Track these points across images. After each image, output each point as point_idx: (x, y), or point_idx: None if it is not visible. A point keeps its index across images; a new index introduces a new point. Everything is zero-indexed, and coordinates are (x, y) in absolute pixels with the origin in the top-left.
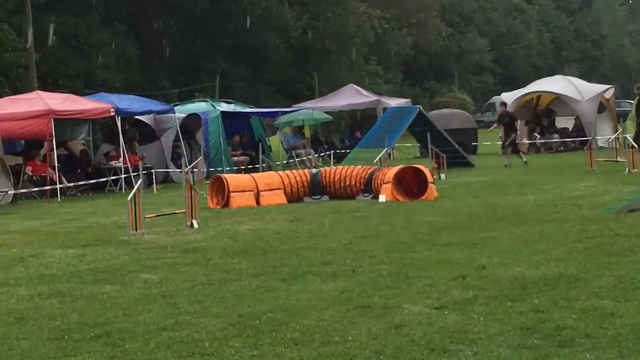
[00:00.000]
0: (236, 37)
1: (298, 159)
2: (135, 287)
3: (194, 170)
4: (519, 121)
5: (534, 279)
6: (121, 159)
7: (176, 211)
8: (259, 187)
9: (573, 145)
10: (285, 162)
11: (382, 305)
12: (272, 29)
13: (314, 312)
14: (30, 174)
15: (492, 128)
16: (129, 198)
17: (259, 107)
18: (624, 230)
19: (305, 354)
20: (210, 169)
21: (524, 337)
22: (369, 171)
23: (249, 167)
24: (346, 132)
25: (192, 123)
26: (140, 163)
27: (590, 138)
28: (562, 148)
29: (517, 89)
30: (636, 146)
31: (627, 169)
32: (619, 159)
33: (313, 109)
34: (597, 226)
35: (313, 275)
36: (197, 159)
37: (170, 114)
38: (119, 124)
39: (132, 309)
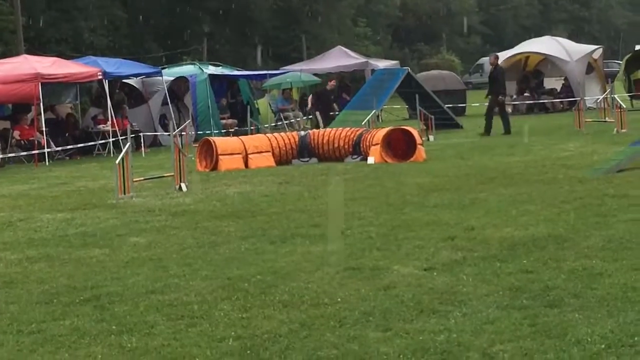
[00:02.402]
0: None
1: (286, 122)
2: (123, 250)
3: (182, 133)
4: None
5: (522, 240)
6: (109, 122)
7: (165, 174)
8: (247, 150)
9: (561, 106)
10: (273, 124)
11: (371, 267)
12: None
13: (303, 274)
14: (18, 138)
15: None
16: (117, 161)
17: (246, 70)
18: (613, 190)
19: (295, 315)
20: (198, 132)
21: (513, 298)
22: (358, 133)
23: (237, 129)
24: (334, 94)
25: (180, 86)
26: (128, 126)
27: (579, 99)
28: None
29: (505, 50)
30: (624, 106)
31: (615, 129)
32: (607, 119)
33: (301, 71)
34: (585, 186)
35: (302, 237)
36: (185, 122)
37: (158, 77)
38: (106, 87)
39: (120, 273)
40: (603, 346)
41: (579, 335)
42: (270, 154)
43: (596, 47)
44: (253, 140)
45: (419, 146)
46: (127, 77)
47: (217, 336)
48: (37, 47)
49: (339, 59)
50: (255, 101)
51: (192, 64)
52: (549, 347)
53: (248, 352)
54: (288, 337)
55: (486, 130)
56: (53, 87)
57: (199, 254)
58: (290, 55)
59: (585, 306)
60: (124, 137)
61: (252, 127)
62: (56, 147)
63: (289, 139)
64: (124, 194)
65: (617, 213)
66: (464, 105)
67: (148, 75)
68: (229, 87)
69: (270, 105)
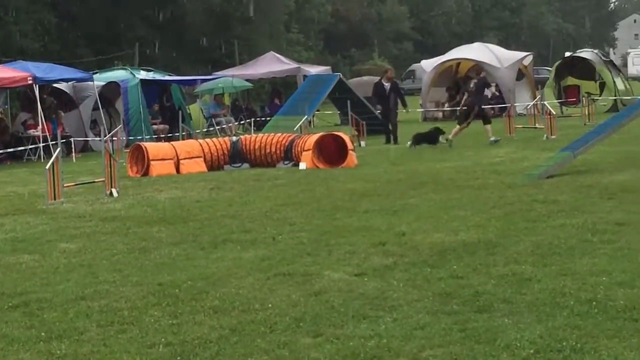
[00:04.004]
0: (156, 4)
1: (218, 127)
2: (53, 256)
3: (114, 138)
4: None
5: (453, 245)
6: (39, 127)
7: (95, 180)
8: (179, 156)
9: (492, 112)
10: (205, 130)
11: (302, 273)
12: None
13: (234, 280)
14: None
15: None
16: (47, 167)
17: (178, 75)
18: (542, 196)
19: (225, 321)
20: (129, 138)
21: (443, 303)
22: (289, 139)
23: (169, 135)
24: (266, 100)
25: (111, 91)
26: (59, 132)
27: (509, 105)
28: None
29: (436, 56)
30: (554, 112)
31: (545, 135)
32: (537, 125)
33: (233, 77)
34: (515, 192)
35: (233, 243)
36: (116, 127)
37: (89, 82)
38: (37, 92)
39: (50, 279)
40: (532, 351)
41: (508, 340)
42: (201, 159)
43: (526, 53)
44: (185, 146)
45: (350, 152)
46: (58, 81)
47: (147, 342)
48: None
49: (271, 64)
50: (187, 106)
51: (123, 68)
52: (478, 353)
53: (178, 358)
54: (218, 343)
55: (395, 140)
56: None
57: (129, 259)
58: (222, 60)
59: (515, 311)
60: (54, 142)
61: (183, 133)
62: None
63: (221, 145)
64: (55, 199)
65: (546, 219)
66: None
67: (79, 80)
68: (161, 92)
69: (202, 110)
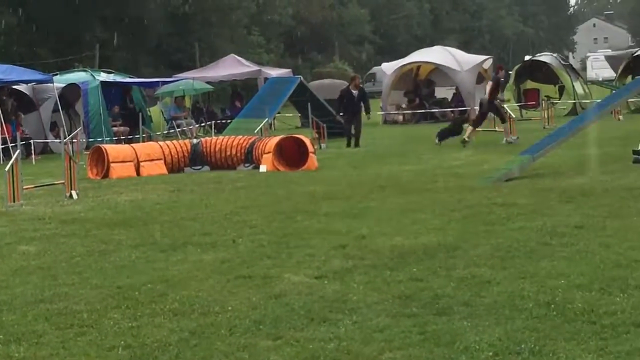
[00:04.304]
0: (116, 6)
1: (179, 130)
2: (12, 259)
3: (74, 140)
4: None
5: (413, 248)
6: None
7: (55, 182)
8: (139, 158)
9: (452, 115)
10: (165, 132)
11: (262, 275)
12: None
13: (194, 282)
14: None
15: None
16: (6, 169)
17: (139, 77)
18: (501, 199)
19: (185, 324)
20: (90, 140)
21: (403, 306)
22: (250, 141)
23: (129, 137)
24: (227, 102)
25: (71, 93)
26: (18, 134)
27: (469, 108)
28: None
29: (397, 59)
30: (513, 115)
31: (504, 138)
32: (497, 128)
33: (194, 79)
34: (475, 195)
35: (193, 245)
36: (76, 129)
37: (49, 84)
38: None
39: (9, 281)
40: (491, 354)
41: (467, 343)
42: (162, 161)
43: (486, 57)
44: (145, 148)
45: (310, 154)
46: (18, 83)
47: (106, 345)
48: None
49: (232, 67)
50: (147, 109)
51: (84, 70)
52: (437, 355)
53: None
54: (178, 345)
55: (356, 143)
56: None
57: (89, 262)
58: (183, 63)
59: (474, 314)
60: (13, 144)
61: (144, 135)
62: None
63: (181, 147)
64: (14, 201)
65: (505, 222)
66: None
67: (39, 81)
68: (124, 94)
69: (162, 113)
